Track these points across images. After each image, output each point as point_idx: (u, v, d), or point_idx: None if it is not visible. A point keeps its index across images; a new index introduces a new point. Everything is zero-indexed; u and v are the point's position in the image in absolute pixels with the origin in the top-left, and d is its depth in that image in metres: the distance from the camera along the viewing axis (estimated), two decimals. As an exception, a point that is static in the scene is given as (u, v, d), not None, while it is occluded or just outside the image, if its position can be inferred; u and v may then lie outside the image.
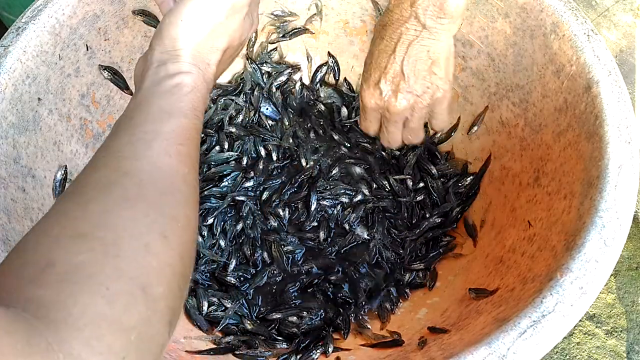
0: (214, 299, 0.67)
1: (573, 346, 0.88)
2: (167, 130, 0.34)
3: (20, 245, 0.27)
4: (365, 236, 0.73)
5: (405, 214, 0.75)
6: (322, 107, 0.83)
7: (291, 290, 0.70)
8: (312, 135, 0.80)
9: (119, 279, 0.25)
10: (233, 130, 0.79)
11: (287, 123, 0.80)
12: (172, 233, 0.29)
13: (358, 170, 0.77)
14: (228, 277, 0.69)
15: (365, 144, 0.80)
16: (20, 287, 0.24)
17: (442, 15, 0.53)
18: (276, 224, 0.73)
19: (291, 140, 0.78)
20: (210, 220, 0.73)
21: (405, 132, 0.62)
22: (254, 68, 0.81)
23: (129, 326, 0.24)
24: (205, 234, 0.72)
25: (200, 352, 0.61)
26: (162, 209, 0.29)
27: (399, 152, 0.79)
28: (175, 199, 0.31)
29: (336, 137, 0.80)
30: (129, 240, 0.26)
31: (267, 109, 0.81)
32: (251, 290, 0.69)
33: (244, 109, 0.81)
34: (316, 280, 0.70)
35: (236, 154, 0.77)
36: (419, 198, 0.75)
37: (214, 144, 0.78)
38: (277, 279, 0.70)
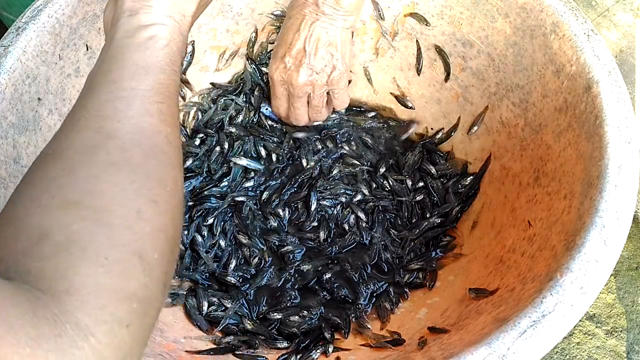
0: (214, 299, 0.67)
1: (573, 346, 0.88)
2: (145, 87, 0.33)
3: (7, 214, 0.26)
4: (367, 238, 0.73)
5: (405, 214, 0.75)
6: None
7: (291, 290, 0.70)
8: (313, 135, 0.80)
9: (114, 247, 0.25)
10: (233, 130, 0.79)
11: (285, 129, 0.80)
12: (161, 198, 0.29)
13: (357, 163, 0.77)
14: (228, 277, 0.69)
15: (367, 139, 0.80)
16: (16, 259, 0.24)
17: (337, 7, 0.63)
18: (276, 224, 0.74)
19: (297, 135, 0.78)
20: (210, 220, 0.73)
21: (310, 110, 0.72)
22: (253, 68, 0.81)
23: (129, 293, 0.24)
24: (205, 234, 0.72)
25: (200, 352, 0.61)
26: (148, 173, 0.29)
27: (403, 147, 0.79)
28: (160, 161, 0.31)
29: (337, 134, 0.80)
30: (119, 208, 0.26)
31: (267, 109, 0.81)
32: (251, 291, 0.69)
33: (244, 109, 0.81)
34: (316, 280, 0.70)
35: (261, 167, 0.77)
36: (418, 198, 0.75)
37: (214, 144, 0.78)
38: (277, 279, 0.70)
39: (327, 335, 0.64)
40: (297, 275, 0.71)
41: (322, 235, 0.72)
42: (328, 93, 0.73)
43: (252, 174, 0.77)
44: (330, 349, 0.62)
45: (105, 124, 0.30)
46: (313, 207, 0.74)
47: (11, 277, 0.23)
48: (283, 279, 0.70)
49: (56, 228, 0.25)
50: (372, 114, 0.83)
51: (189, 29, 0.40)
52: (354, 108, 0.84)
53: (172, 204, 0.30)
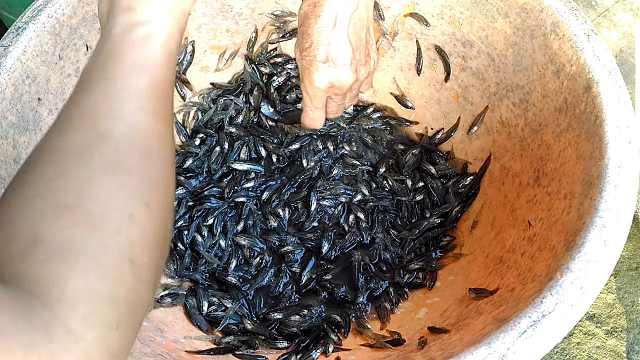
0: (214, 299, 0.67)
1: (573, 346, 0.88)
2: (141, 86, 0.32)
3: (2, 214, 0.27)
4: (367, 238, 0.73)
5: (405, 214, 0.75)
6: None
7: (291, 290, 0.70)
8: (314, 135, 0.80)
9: (106, 253, 0.25)
10: (233, 130, 0.79)
11: (286, 128, 0.80)
12: (154, 200, 0.29)
13: (357, 162, 0.77)
14: (229, 277, 0.69)
15: (367, 139, 0.80)
16: (11, 262, 0.24)
17: None
18: (276, 224, 0.74)
19: (293, 147, 0.78)
20: (210, 221, 0.73)
21: (346, 102, 0.62)
22: (253, 68, 0.81)
23: (119, 298, 0.25)
24: (205, 234, 0.72)
25: (200, 352, 0.61)
26: (142, 175, 0.29)
27: (403, 147, 0.79)
28: (154, 162, 0.31)
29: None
30: (113, 213, 0.27)
31: (267, 109, 0.81)
32: (252, 291, 0.69)
33: (244, 109, 0.81)
34: (316, 280, 0.70)
35: (262, 169, 0.77)
36: (418, 198, 0.75)
37: (214, 144, 0.78)
38: (277, 279, 0.70)
39: (333, 336, 0.64)
40: (296, 276, 0.70)
41: (325, 246, 0.71)
42: None
43: (253, 174, 0.77)
44: (331, 349, 0.62)
45: (99, 123, 0.30)
46: (313, 207, 0.74)
47: (5, 280, 0.24)
48: (283, 280, 0.70)
49: (50, 233, 0.25)
50: (378, 114, 0.83)
51: (185, 25, 0.40)
52: (357, 107, 0.84)
53: (164, 205, 0.30)
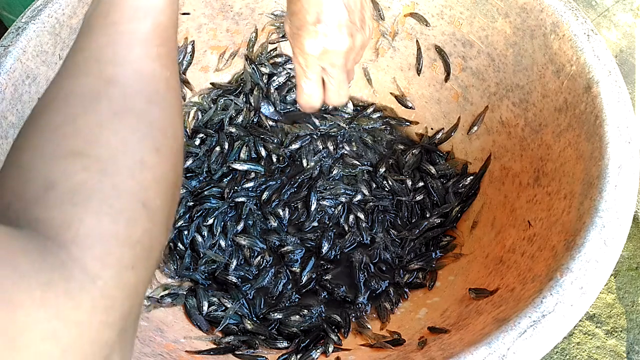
0: (214, 299, 0.67)
1: (573, 346, 0.88)
2: (145, 30, 0.32)
3: (15, 161, 0.27)
4: (367, 238, 0.73)
5: (405, 214, 0.75)
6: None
7: (291, 290, 0.70)
8: (314, 135, 0.80)
9: (119, 196, 0.26)
10: (233, 130, 0.79)
11: (286, 128, 0.80)
12: (164, 145, 0.29)
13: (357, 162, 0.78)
14: (229, 277, 0.69)
15: (367, 139, 0.80)
16: (26, 208, 0.25)
17: None
18: (276, 224, 0.74)
19: (292, 147, 0.78)
20: (210, 221, 0.73)
21: (344, 77, 0.54)
22: (253, 68, 0.81)
23: (134, 240, 0.25)
24: (206, 234, 0.72)
25: (200, 352, 0.61)
26: (150, 120, 0.29)
27: (403, 147, 0.79)
28: (162, 107, 0.31)
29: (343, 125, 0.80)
30: (123, 157, 0.27)
31: (267, 109, 0.81)
32: (252, 291, 0.69)
33: (244, 109, 0.81)
34: (316, 280, 0.70)
35: (262, 169, 0.77)
36: (418, 198, 0.75)
37: (214, 144, 0.78)
38: (277, 279, 0.70)
39: (333, 336, 0.64)
40: (297, 276, 0.70)
41: (325, 246, 0.71)
42: None
43: (253, 174, 0.77)
44: (331, 349, 0.62)
45: (105, 69, 0.30)
46: (313, 207, 0.74)
47: (21, 225, 0.24)
48: (283, 280, 0.70)
49: (62, 178, 0.25)
50: (378, 114, 0.83)
51: None
52: (357, 107, 0.84)
53: (174, 151, 0.30)
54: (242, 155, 0.78)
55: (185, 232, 0.72)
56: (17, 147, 0.28)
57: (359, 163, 0.78)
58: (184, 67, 0.78)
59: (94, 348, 0.23)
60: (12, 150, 0.28)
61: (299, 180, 0.76)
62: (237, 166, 0.76)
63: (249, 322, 0.66)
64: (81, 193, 0.25)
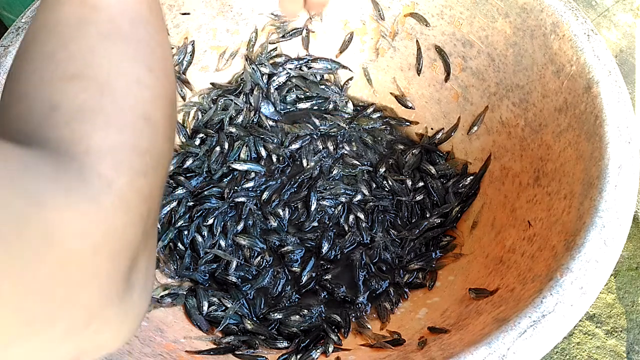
0: (214, 299, 0.67)
1: (573, 346, 0.88)
2: None
3: (15, 90, 0.28)
4: (367, 238, 0.73)
5: (405, 214, 0.75)
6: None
7: (291, 290, 0.70)
8: (314, 135, 0.80)
9: (122, 112, 0.27)
10: (233, 130, 0.79)
11: (286, 128, 0.80)
12: (155, 64, 0.30)
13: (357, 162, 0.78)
14: (229, 277, 0.69)
15: (367, 139, 0.80)
16: (34, 130, 0.26)
17: None
18: (276, 224, 0.74)
19: (292, 147, 0.78)
20: (210, 221, 0.73)
21: None
22: (253, 69, 0.81)
23: (142, 150, 0.27)
24: (206, 234, 0.72)
25: (200, 352, 0.61)
26: (139, 42, 0.30)
27: (403, 147, 0.79)
28: (147, 30, 0.32)
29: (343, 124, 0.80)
30: (119, 77, 0.28)
31: (267, 109, 0.81)
32: (252, 291, 0.69)
33: (244, 109, 0.81)
34: (316, 280, 0.70)
35: (262, 169, 0.77)
36: (418, 198, 0.75)
37: (214, 144, 0.78)
38: (277, 279, 0.70)
39: (333, 336, 0.64)
40: (296, 275, 0.70)
41: (325, 246, 0.71)
42: None
43: (253, 174, 0.77)
44: (331, 349, 0.62)
45: None
46: (313, 207, 0.74)
47: (32, 147, 0.25)
48: (283, 280, 0.70)
49: (65, 100, 0.27)
50: (378, 114, 0.83)
51: None
52: (357, 107, 0.84)
53: (166, 69, 0.32)
54: (242, 155, 0.78)
55: (185, 232, 0.72)
56: (14, 79, 0.29)
57: (359, 163, 0.78)
58: (184, 67, 0.78)
59: (122, 246, 0.24)
60: (9, 83, 0.29)
61: (299, 180, 0.76)
62: (237, 166, 0.76)
63: (249, 322, 0.66)
64: (85, 111, 0.26)
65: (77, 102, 0.26)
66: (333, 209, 0.75)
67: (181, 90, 0.79)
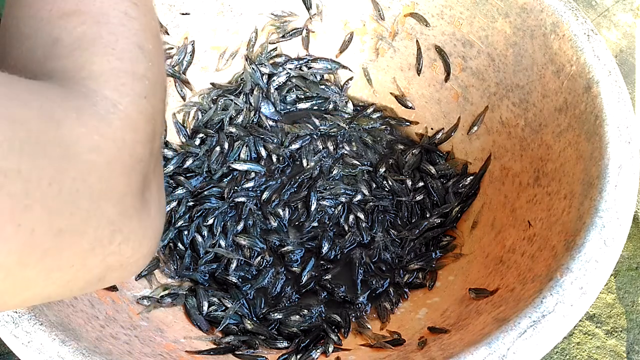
0: (214, 299, 0.67)
1: (573, 346, 0.88)
2: None
3: (17, 32, 0.30)
4: (366, 238, 0.73)
5: (405, 214, 0.75)
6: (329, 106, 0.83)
7: (291, 290, 0.70)
8: (314, 135, 0.80)
9: (117, 40, 0.29)
10: (233, 130, 0.79)
11: (286, 128, 0.80)
12: (139, 1, 0.33)
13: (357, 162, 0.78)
14: (229, 277, 0.69)
15: (367, 139, 0.80)
16: (39, 65, 0.28)
17: None
18: (276, 224, 0.74)
19: (292, 147, 0.78)
20: (210, 221, 0.73)
21: None
22: (253, 69, 0.81)
23: (140, 74, 0.29)
24: (206, 234, 0.72)
25: (200, 352, 0.61)
26: None
27: (403, 147, 0.79)
28: None
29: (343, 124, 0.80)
30: (110, 10, 0.30)
31: (267, 109, 0.81)
32: (252, 291, 0.69)
33: (244, 109, 0.81)
34: (316, 280, 0.70)
35: (262, 169, 0.77)
36: (418, 198, 0.75)
37: (214, 144, 0.78)
38: (277, 279, 0.70)
39: (333, 336, 0.64)
40: (296, 275, 0.70)
41: (325, 246, 0.71)
42: None
43: (253, 174, 0.77)
44: (331, 349, 0.62)
45: None
46: (313, 207, 0.74)
47: (39, 79, 0.27)
48: (283, 280, 0.70)
49: (64, 33, 0.29)
50: (378, 114, 0.83)
51: None
52: (357, 107, 0.84)
53: (148, 5, 0.34)
54: (242, 155, 0.78)
55: (185, 232, 0.72)
56: (12, 25, 0.30)
57: (359, 163, 0.78)
58: (184, 67, 0.78)
59: (133, 161, 0.26)
60: (9, 27, 0.31)
61: (299, 180, 0.76)
62: (237, 166, 0.76)
63: (249, 322, 0.66)
64: (85, 41, 0.28)
65: (76, 34, 0.28)
66: (333, 209, 0.75)
67: (181, 90, 0.79)
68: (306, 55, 0.84)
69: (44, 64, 0.28)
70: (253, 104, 0.81)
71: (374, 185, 0.77)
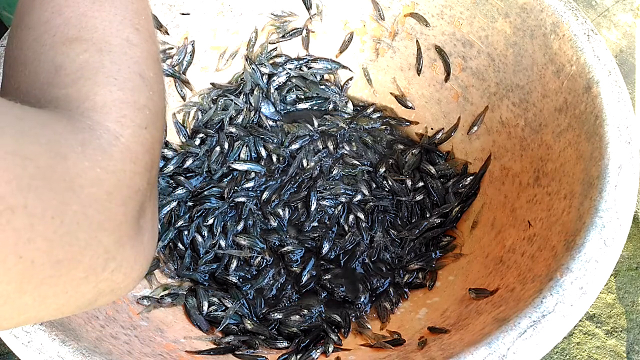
0: (214, 299, 0.67)
1: (573, 346, 0.88)
2: None
3: (20, 57, 0.30)
4: (366, 238, 0.73)
5: (405, 214, 0.75)
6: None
7: (291, 290, 0.70)
8: (314, 135, 0.80)
9: (119, 69, 0.29)
10: (233, 130, 0.79)
11: (286, 129, 0.80)
12: (140, 24, 0.33)
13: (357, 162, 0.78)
14: (229, 277, 0.69)
15: (367, 139, 0.80)
16: (43, 92, 0.28)
17: None
18: (276, 224, 0.74)
19: (292, 147, 0.78)
20: (210, 221, 0.73)
21: None
22: (253, 69, 0.81)
23: (141, 104, 0.29)
24: (206, 234, 0.72)
25: (200, 352, 0.61)
26: (124, 5, 0.33)
27: (403, 147, 0.79)
28: None
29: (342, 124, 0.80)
30: (113, 38, 0.31)
31: (267, 109, 0.81)
32: (252, 291, 0.69)
33: (244, 109, 0.81)
34: (316, 280, 0.70)
35: (262, 169, 0.77)
36: (418, 198, 0.75)
37: (214, 144, 0.78)
38: (277, 279, 0.70)
39: (333, 336, 0.64)
40: (296, 275, 0.70)
41: (326, 246, 0.71)
42: None
43: (253, 174, 0.77)
44: (331, 349, 0.62)
45: None
46: (313, 207, 0.74)
47: (42, 106, 0.27)
48: (283, 279, 0.70)
49: (67, 61, 0.29)
50: (378, 114, 0.83)
51: None
52: (357, 107, 0.84)
53: (149, 29, 0.34)
54: (242, 155, 0.78)
55: (185, 232, 0.72)
56: (17, 47, 0.31)
57: (359, 163, 0.78)
58: (184, 67, 0.78)
59: (131, 192, 0.27)
60: (10, 52, 0.31)
61: (299, 180, 0.76)
62: (237, 166, 0.76)
63: (249, 322, 0.66)
64: (88, 70, 0.29)
65: (79, 62, 0.29)
66: (333, 209, 0.75)
67: (181, 90, 0.79)
68: (306, 55, 0.84)
69: (47, 90, 0.28)
70: (253, 104, 0.81)
71: (374, 185, 0.77)
